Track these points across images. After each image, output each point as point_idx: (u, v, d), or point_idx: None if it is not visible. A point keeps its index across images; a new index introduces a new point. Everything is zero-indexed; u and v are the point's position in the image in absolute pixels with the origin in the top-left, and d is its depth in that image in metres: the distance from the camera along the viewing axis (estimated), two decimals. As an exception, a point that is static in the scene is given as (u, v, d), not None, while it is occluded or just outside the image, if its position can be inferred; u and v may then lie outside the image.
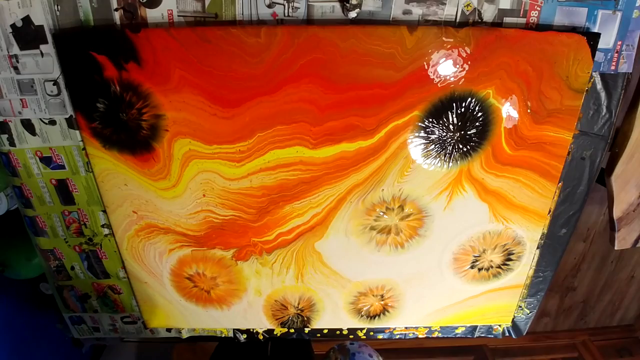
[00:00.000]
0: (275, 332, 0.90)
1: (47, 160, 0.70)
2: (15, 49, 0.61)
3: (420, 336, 0.93)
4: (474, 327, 0.91)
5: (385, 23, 0.60)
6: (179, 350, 0.95)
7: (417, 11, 0.59)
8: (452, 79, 0.61)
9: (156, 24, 0.59)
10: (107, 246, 0.78)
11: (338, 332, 0.91)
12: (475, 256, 0.78)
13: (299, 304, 0.84)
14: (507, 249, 0.77)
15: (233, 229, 0.73)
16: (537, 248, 0.78)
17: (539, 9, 0.60)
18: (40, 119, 0.66)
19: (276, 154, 0.66)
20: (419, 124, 0.64)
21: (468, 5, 0.59)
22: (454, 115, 0.64)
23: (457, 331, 0.92)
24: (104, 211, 0.73)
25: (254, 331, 0.90)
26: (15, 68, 0.62)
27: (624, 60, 0.63)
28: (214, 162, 0.67)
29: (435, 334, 0.93)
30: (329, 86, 0.61)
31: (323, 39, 0.58)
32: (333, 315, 0.85)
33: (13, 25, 0.59)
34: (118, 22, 0.59)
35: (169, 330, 0.90)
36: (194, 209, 0.71)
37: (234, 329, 0.90)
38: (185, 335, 0.91)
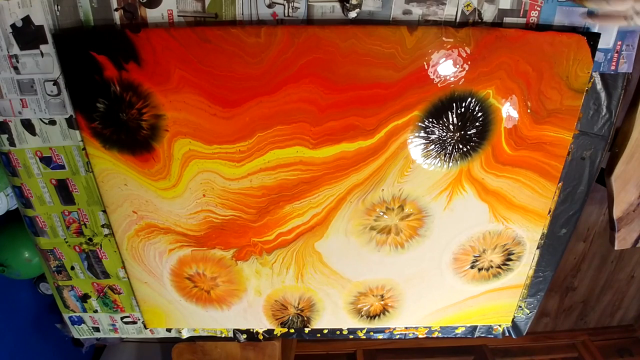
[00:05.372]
0: (275, 332, 0.90)
1: (47, 160, 0.70)
2: (15, 49, 0.61)
3: (420, 336, 0.93)
4: (474, 327, 0.91)
5: (385, 23, 0.60)
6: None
7: (417, 11, 0.59)
8: (452, 79, 0.61)
9: (156, 24, 0.59)
10: (107, 246, 0.78)
11: (338, 332, 0.91)
12: (475, 256, 0.78)
13: (299, 304, 0.84)
14: (507, 249, 0.77)
15: (233, 229, 0.74)
16: (537, 248, 0.78)
17: (539, 9, 0.60)
18: (40, 119, 0.66)
19: (276, 154, 0.66)
20: (419, 124, 0.64)
21: (468, 5, 0.59)
22: (454, 115, 0.64)
23: (457, 331, 0.92)
24: (104, 211, 0.73)
25: (254, 331, 0.90)
26: (15, 68, 0.62)
27: (624, 60, 0.63)
28: (214, 162, 0.67)
29: (435, 334, 0.93)
30: (329, 86, 0.61)
31: (323, 39, 0.58)
32: (333, 315, 0.85)
33: (13, 25, 0.59)
34: (118, 22, 0.59)
35: (169, 330, 0.91)
36: (194, 209, 0.71)
37: (234, 329, 0.90)
38: (185, 335, 0.91)
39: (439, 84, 0.62)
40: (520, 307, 0.88)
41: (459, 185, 0.70)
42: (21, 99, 0.65)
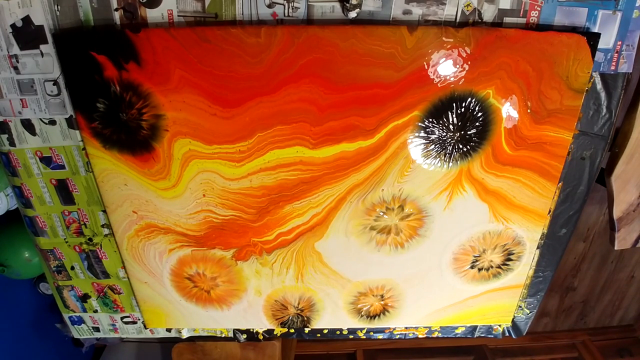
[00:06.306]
0: (275, 332, 0.90)
1: (47, 160, 0.70)
2: (15, 49, 0.61)
3: (420, 336, 0.93)
4: (474, 327, 0.91)
5: (385, 23, 0.60)
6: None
7: (417, 11, 0.59)
8: (452, 79, 0.61)
9: (156, 24, 0.59)
10: (107, 246, 0.78)
11: (338, 332, 0.91)
12: (475, 256, 0.78)
13: (299, 304, 0.84)
14: (507, 249, 0.77)
15: (233, 229, 0.74)
16: (537, 248, 0.78)
17: (539, 9, 0.60)
18: (40, 119, 0.66)
19: (276, 154, 0.66)
20: (419, 124, 0.64)
21: (468, 5, 0.59)
22: (454, 115, 0.64)
23: (457, 331, 0.92)
24: (104, 211, 0.73)
25: (254, 331, 0.90)
26: (15, 68, 0.62)
27: (624, 60, 0.63)
28: (214, 162, 0.67)
29: (435, 334, 0.93)
30: (329, 86, 0.61)
31: (323, 39, 0.58)
32: (333, 315, 0.85)
33: (13, 25, 0.59)
34: (118, 22, 0.59)
35: (169, 330, 0.91)
36: (194, 209, 0.71)
37: (234, 329, 0.90)
38: (185, 335, 0.91)
39: (439, 84, 0.62)
40: (520, 307, 0.88)
41: (459, 185, 0.70)
42: (21, 99, 0.65)
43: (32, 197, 0.73)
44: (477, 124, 0.64)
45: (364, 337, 0.92)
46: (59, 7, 0.58)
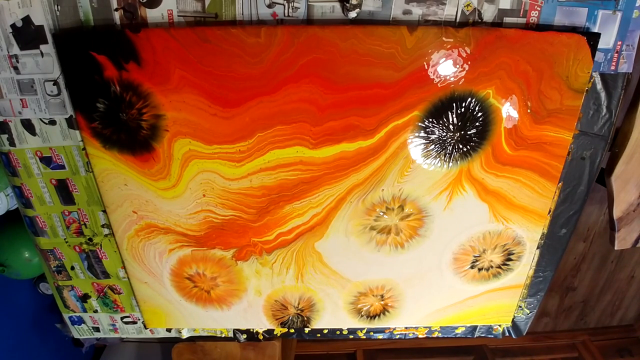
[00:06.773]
0: (275, 332, 0.90)
1: (47, 160, 0.70)
2: (15, 49, 0.61)
3: (420, 336, 0.93)
4: (474, 327, 0.91)
5: (385, 23, 0.60)
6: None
7: (417, 11, 0.59)
8: (452, 79, 0.61)
9: (156, 24, 0.59)
10: (107, 246, 0.78)
11: (338, 332, 0.91)
12: (475, 256, 0.78)
13: (299, 304, 0.84)
14: (507, 249, 0.77)
15: (233, 229, 0.74)
16: (537, 248, 0.78)
17: (539, 9, 0.60)
18: (40, 119, 0.66)
19: (276, 154, 0.66)
20: (419, 124, 0.64)
21: (468, 5, 0.59)
22: (454, 115, 0.64)
23: (457, 331, 0.92)
24: (104, 211, 0.73)
25: (254, 331, 0.90)
26: (15, 68, 0.62)
27: (624, 60, 0.63)
28: (214, 162, 0.67)
29: (435, 334, 0.93)
30: (329, 86, 0.61)
31: (323, 39, 0.58)
32: (333, 315, 0.85)
33: (13, 25, 0.59)
34: (118, 22, 0.59)
35: (169, 330, 0.91)
36: (194, 209, 0.71)
37: (234, 329, 0.90)
38: (185, 335, 0.91)
39: (439, 84, 0.62)
40: (520, 307, 0.88)
41: (459, 185, 0.70)
42: (21, 99, 0.65)
43: (32, 197, 0.73)
44: (477, 124, 0.64)
45: (364, 337, 0.92)
46: (59, 7, 0.58)
